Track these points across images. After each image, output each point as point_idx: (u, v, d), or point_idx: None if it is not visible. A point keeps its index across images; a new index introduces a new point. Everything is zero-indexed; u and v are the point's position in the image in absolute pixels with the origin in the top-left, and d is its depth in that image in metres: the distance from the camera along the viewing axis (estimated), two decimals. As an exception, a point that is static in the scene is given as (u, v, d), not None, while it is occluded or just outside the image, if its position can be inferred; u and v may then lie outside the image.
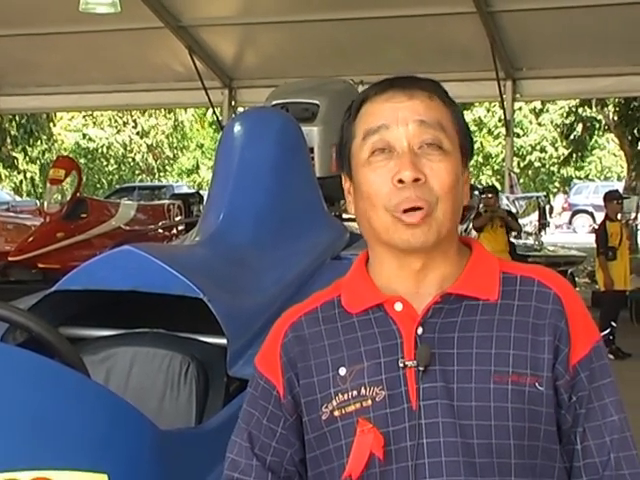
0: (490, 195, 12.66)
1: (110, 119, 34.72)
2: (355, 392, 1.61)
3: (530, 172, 37.29)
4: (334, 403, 1.63)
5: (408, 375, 1.60)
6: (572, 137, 28.11)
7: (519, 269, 1.70)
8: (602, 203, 11.83)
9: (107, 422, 2.06)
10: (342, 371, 1.64)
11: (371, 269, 1.71)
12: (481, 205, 12.51)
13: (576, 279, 13.89)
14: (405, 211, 1.59)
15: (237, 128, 3.87)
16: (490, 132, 35.15)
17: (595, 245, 11.36)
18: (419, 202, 1.59)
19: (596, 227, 12.17)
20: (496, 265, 1.69)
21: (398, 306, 1.64)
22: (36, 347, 2.21)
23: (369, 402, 1.60)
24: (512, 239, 13.35)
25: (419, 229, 1.59)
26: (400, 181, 1.59)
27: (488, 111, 34.14)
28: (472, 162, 1.77)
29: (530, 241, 17.11)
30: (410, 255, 1.63)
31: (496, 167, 36.05)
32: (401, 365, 1.61)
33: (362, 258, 1.74)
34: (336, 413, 1.62)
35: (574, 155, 29.57)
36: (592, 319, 1.70)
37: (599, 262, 11.22)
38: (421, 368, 1.59)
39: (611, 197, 11.46)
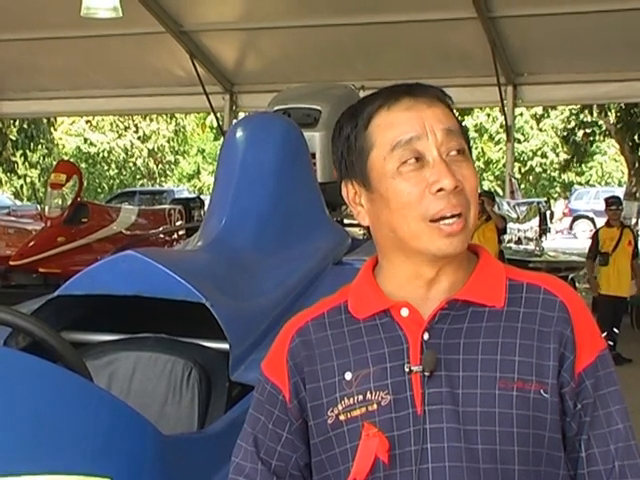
0: (484, 198, 12.66)
1: (111, 124, 34.74)
2: (361, 396, 1.62)
3: (531, 177, 37.33)
4: (340, 407, 1.63)
5: (414, 380, 1.61)
6: (573, 142, 28.10)
7: (525, 276, 1.71)
8: (602, 209, 11.93)
9: (110, 426, 2.06)
10: (348, 376, 1.64)
11: (379, 276, 1.71)
12: None
13: (577, 284, 13.89)
14: (443, 218, 1.59)
15: (239, 133, 3.87)
16: (491, 138, 35.18)
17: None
18: (459, 208, 1.60)
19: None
20: (502, 272, 1.70)
21: (404, 312, 1.64)
22: (39, 351, 2.21)
23: (374, 406, 1.61)
24: (503, 246, 13.37)
25: (457, 237, 1.60)
26: (440, 190, 1.59)
27: (489, 117, 34.18)
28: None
29: (531, 246, 17.11)
30: (429, 265, 1.64)
31: (497, 173, 36.07)
32: (407, 370, 1.61)
33: (369, 264, 1.74)
34: (342, 417, 1.63)
35: (575, 160, 29.58)
36: (598, 327, 1.70)
37: (587, 266, 11.48)
38: (427, 373, 1.59)
39: (608, 203, 11.51)
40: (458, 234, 1.60)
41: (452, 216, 1.59)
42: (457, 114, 1.75)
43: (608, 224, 11.41)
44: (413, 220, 1.61)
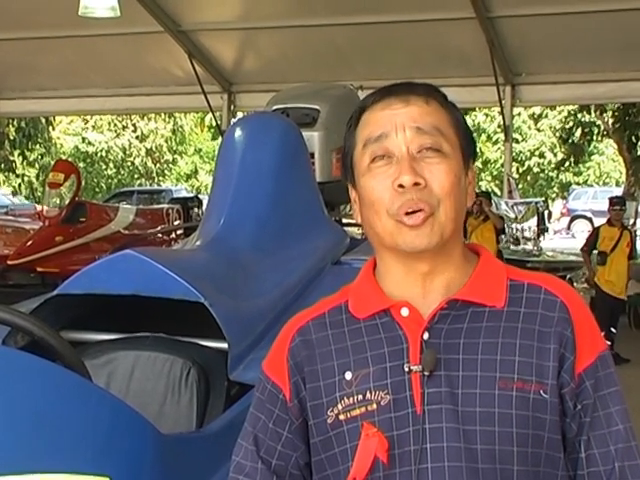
0: (481, 199, 12.66)
1: (109, 123, 34.70)
2: (360, 396, 1.62)
3: (529, 177, 37.29)
4: (339, 407, 1.63)
5: (413, 380, 1.61)
6: (571, 142, 28.10)
7: (526, 276, 1.71)
8: (600, 208, 11.97)
9: (109, 426, 2.06)
10: (348, 375, 1.64)
11: (378, 275, 1.72)
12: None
13: (575, 284, 13.89)
14: (407, 214, 1.60)
15: (238, 133, 3.88)
16: (489, 137, 35.17)
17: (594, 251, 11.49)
18: (420, 204, 1.60)
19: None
20: (503, 272, 1.70)
21: (404, 311, 1.65)
22: (38, 351, 2.21)
23: (374, 406, 1.61)
24: (501, 246, 13.37)
25: (421, 230, 1.61)
26: (400, 186, 1.61)
27: (487, 116, 34.17)
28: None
29: (529, 246, 17.13)
30: (416, 259, 1.64)
31: (495, 172, 36.07)
32: (406, 370, 1.61)
33: (370, 264, 1.75)
34: (341, 417, 1.63)
35: (573, 160, 29.57)
36: (598, 328, 1.70)
37: (582, 258, 11.63)
38: (426, 373, 1.60)
39: (612, 203, 11.50)
40: (422, 227, 1.60)
41: (413, 212, 1.60)
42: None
43: (610, 223, 11.39)
44: (383, 216, 1.63)
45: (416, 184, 1.60)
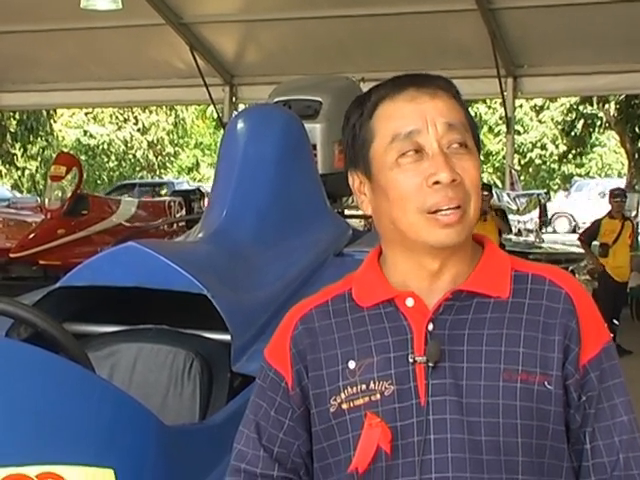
0: (486, 193, 12.63)
1: (111, 116, 34.68)
2: (364, 386, 1.62)
3: (531, 169, 37.28)
4: (342, 396, 1.63)
5: (417, 371, 1.61)
6: (573, 134, 28.08)
7: (531, 267, 1.70)
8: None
9: (112, 417, 2.07)
10: (351, 364, 1.64)
11: (384, 265, 1.71)
12: None
13: (577, 276, 13.90)
14: (441, 211, 1.59)
15: (240, 125, 3.88)
16: (491, 129, 35.12)
17: (596, 243, 11.47)
18: (457, 201, 1.59)
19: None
20: (508, 263, 1.70)
21: (409, 302, 1.64)
22: (41, 343, 2.22)
23: (378, 396, 1.61)
24: (504, 238, 13.34)
25: (454, 229, 1.60)
26: (436, 182, 1.59)
27: (489, 108, 34.13)
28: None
29: (531, 238, 17.14)
30: (430, 256, 1.64)
31: (497, 164, 36.04)
32: (411, 360, 1.61)
33: (375, 253, 1.74)
34: (344, 406, 1.63)
35: (575, 152, 29.55)
36: (603, 319, 1.70)
37: (582, 247, 11.63)
38: (431, 364, 1.59)
39: (613, 194, 11.49)
40: (455, 225, 1.60)
41: (449, 209, 1.59)
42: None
43: (611, 215, 11.38)
44: (411, 212, 1.61)
45: (453, 181, 1.59)
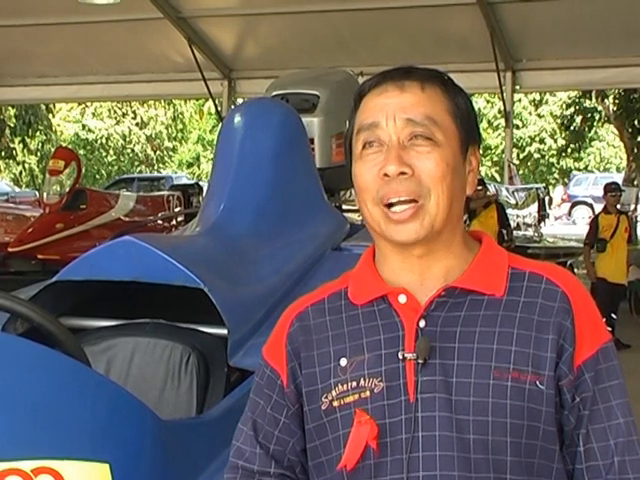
0: (480, 187, 12.60)
1: (109, 110, 34.67)
2: (354, 383, 1.61)
3: (529, 163, 37.25)
4: (334, 393, 1.63)
5: (407, 368, 1.59)
6: (571, 128, 28.05)
7: (529, 265, 1.68)
8: (601, 194, 11.92)
9: (108, 412, 2.07)
10: (343, 362, 1.63)
11: (377, 262, 1.70)
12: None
13: (575, 270, 13.90)
14: (391, 205, 1.59)
15: (237, 119, 3.87)
16: (489, 124, 35.12)
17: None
18: (406, 194, 1.59)
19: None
20: (505, 260, 1.68)
21: (402, 298, 1.63)
22: (37, 337, 2.21)
23: (367, 393, 1.60)
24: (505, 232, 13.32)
25: (407, 226, 1.60)
26: (386, 175, 1.60)
27: (488, 102, 34.13)
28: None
29: (529, 232, 17.10)
30: (405, 249, 1.63)
31: (495, 159, 36.04)
32: (401, 357, 1.60)
33: (370, 250, 1.73)
34: (335, 403, 1.62)
35: (573, 146, 29.53)
36: (602, 320, 1.67)
37: (584, 252, 11.50)
38: (420, 361, 1.58)
39: (607, 189, 11.51)
40: (409, 221, 1.59)
41: (399, 202, 1.59)
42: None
43: (606, 211, 11.41)
44: (370, 202, 1.63)
45: (401, 173, 1.59)
